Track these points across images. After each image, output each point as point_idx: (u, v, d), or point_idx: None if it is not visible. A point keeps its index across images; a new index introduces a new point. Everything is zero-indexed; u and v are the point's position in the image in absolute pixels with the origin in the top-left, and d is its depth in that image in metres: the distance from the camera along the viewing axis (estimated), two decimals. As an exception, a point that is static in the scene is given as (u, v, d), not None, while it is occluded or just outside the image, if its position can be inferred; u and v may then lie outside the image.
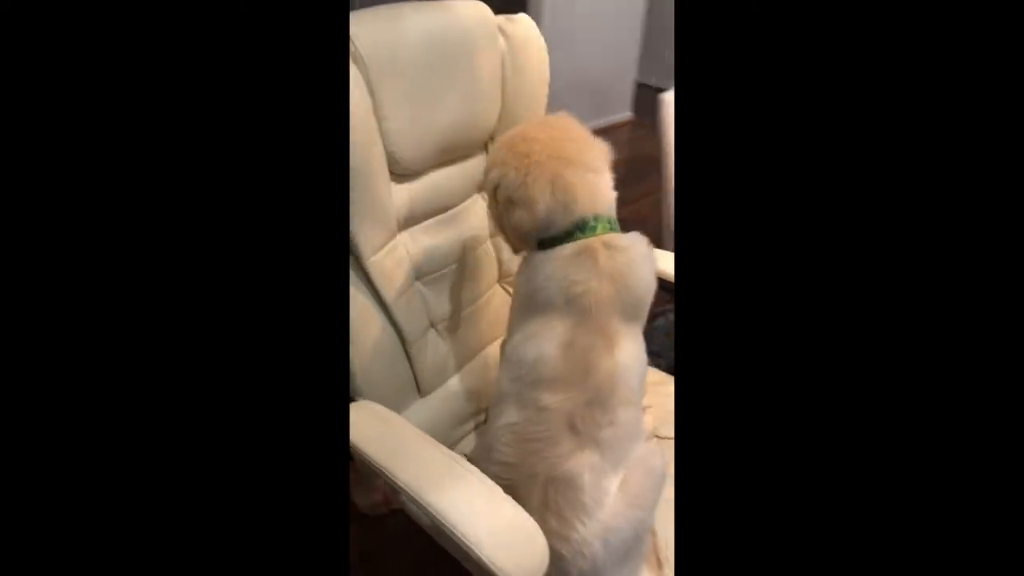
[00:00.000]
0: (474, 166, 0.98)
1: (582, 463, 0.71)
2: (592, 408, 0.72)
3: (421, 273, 0.94)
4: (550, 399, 0.72)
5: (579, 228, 0.77)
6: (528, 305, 0.79)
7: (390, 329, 0.89)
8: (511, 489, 0.70)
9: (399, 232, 0.89)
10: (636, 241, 0.79)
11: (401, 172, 0.86)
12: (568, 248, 0.76)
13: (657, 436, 0.98)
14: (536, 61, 0.98)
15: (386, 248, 0.86)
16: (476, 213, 1.02)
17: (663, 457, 0.79)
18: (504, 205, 0.78)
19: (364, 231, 0.81)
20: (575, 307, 0.74)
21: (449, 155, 0.93)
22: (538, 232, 0.78)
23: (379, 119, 0.79)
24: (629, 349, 0.75)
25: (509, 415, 0.76)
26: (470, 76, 0.89)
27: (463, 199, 1.00)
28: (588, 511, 0.70)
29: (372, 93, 0.77)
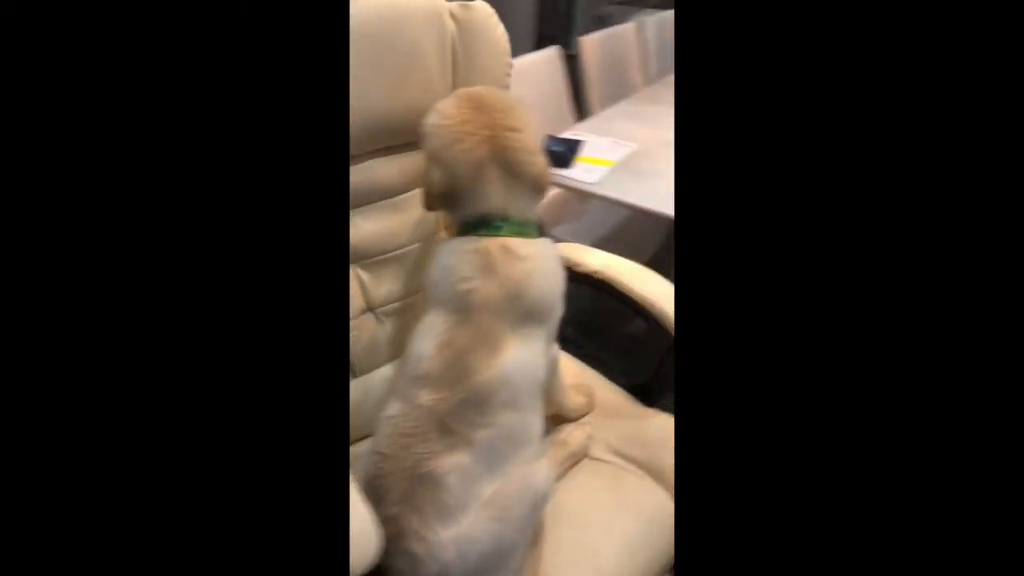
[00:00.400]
0: (418, 154, 0.97)
1: (450, 463, 0.70)
2: (467, 409, 0.70)
3: (357, 255, 0.95)
4: (425, 397, 0.71)
5: (483, 223, 0.75)
6: (428, 296, 0.78)
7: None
8: (381, 479, 0.71)
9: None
10: (541, 250, 0.76)
11: (361, 153, 0.87)
12: (469, 243, 0.74)
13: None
14: (492, 49, 0.95)
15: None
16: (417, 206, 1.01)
17: (549, 478, 0.76)
18: (428, 154, 0.77)
19: None
20: (459, 305, 0.72)
21: (388, 141, 0.93)
22: (447, 206, 0.77)
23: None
24: (517, 355, 0.73)
25: (391, 407, 0.76)
26: (406, 61, 0.87)
27: (408, 188, 0.99)
28: (448, 513, 0.69)
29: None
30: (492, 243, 0.73)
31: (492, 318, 0.72)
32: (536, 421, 0.77)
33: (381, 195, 0.95)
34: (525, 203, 0.77)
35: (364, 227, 0.94)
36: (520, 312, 0.73)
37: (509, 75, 0.98)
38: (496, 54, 0.96)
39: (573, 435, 0.94)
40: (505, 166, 0.74)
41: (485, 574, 0.71)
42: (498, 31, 0.95)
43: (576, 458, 0.93)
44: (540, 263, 0.75)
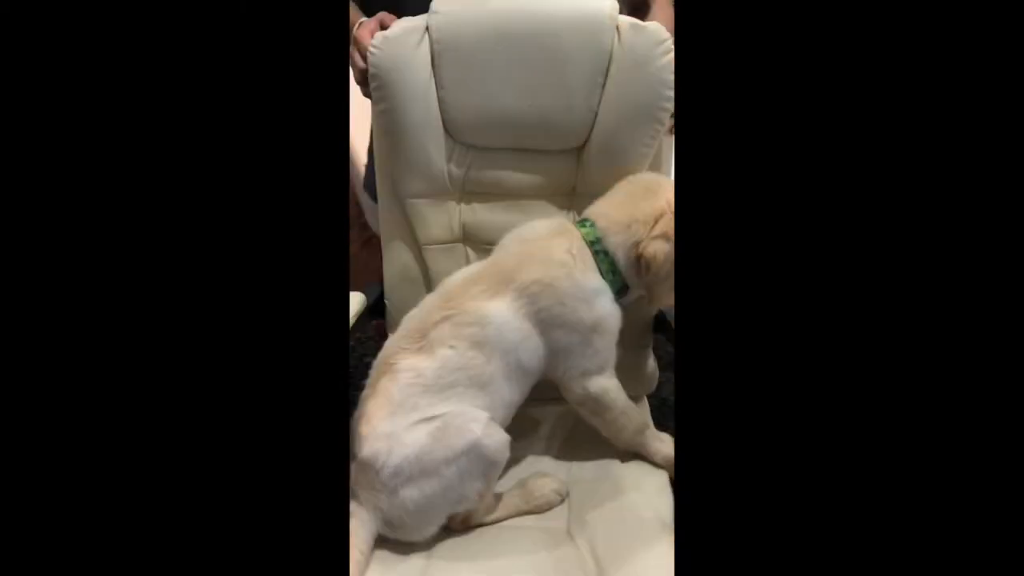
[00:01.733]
0: (553, 164, 0.98)
1: (410, 363, 0.81)
2: (445, 324, 0.82)
3: (470, 239, 1.03)
4: (433, 308, 0.86)
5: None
6: None
7: (417, 268, 1.04)
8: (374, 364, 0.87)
9: (454, 193, 1.01)
10: (576, 266, 0.86)
11: (461, 139, 0.96)
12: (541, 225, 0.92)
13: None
14: (654, 80, 0.87)
15: (428, 198, 0.99)
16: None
17: (500, 446, 0.79)
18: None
19: (402, 175, 0.98)
20: (493, 257, 0.92)
21: (519, 140, 0.96)
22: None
23: (437, 86, 0.91)
24: (505, 314, 0.83)
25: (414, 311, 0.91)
26: (546, 66, 0.89)
27: (534, 193, 1.01)
28: (393, 408, 0.79)
29: (434, 61, 0.90)
30: (553, 231, 0.87)
31: (502, 273, 0.83)
32: (506, 391, 0.82)
33: (507, 191, 1.01)
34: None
35: (482, 214, 1.01)
36: (518, 287, 0.82)
37: (666, 109, 0.88)
38: (656, 88, 0.87)
39: (539, 483, 0.88)
40: None
41: (406, 482, 0.76)
42: (662, 61, 0.86)
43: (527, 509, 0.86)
44: (562, 271, 0.82)
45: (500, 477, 0.85)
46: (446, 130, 0.95)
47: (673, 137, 0.98)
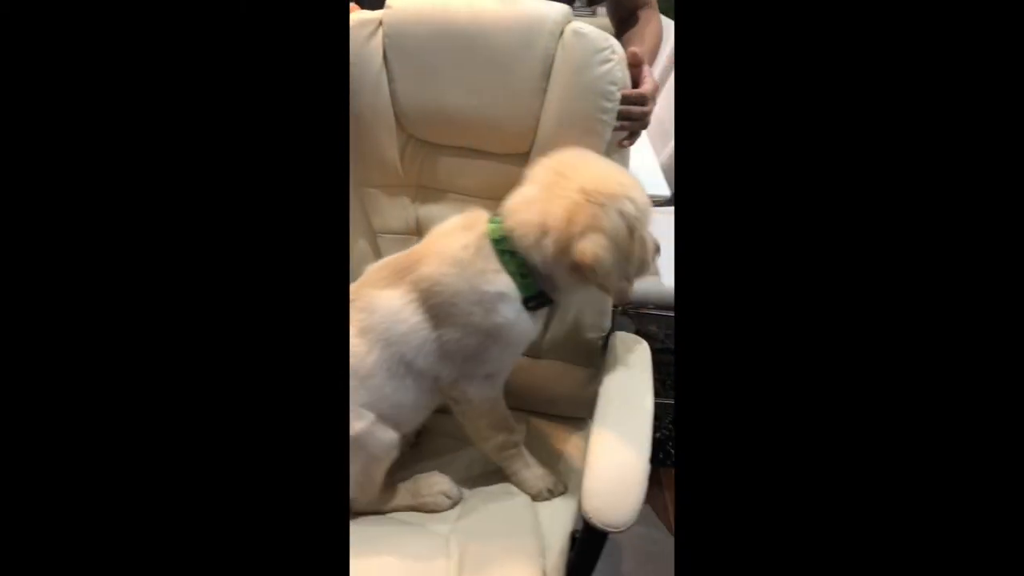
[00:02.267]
0: (501, 167, 0.96)
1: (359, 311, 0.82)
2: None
3: (424, 232, 1.04)
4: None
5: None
6: None
7: (372, 255, 1.07)
8: None
9: (408, 186, 1.02)
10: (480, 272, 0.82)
11: (413, 133, 0.97)
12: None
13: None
14: (592, 88, 0.83)
15: (382, 188, 1.02)
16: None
17: (375, 442, 0.81)
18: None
19: (357, 162, 1.00)
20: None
21: (466, 140, 0.96)
22: None
23: (389, 78, 0.93)
24: (392, 302, 0.82)
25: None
26: (491, 66, 0.88)
27: (485, 195, 0.99)
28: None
29: (385, 51, 0.91)
30: (459, 225, 0.83)
31: (405, 264, 0.82)
32: (389, 387, 0.80)
33: (457, 188, 1.01)
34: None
35: (433, 208, 1.02)
36: (413, 279, 0.80)
37: (604, 120, 0.84)
38: (596, 95, 0.84)
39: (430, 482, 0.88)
40: None
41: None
42: (600, 69, 0.82)
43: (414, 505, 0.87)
44: (453, 269, 0.78)
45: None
46: (399, 123, 0.97)
47: (627, 152, 0.93)
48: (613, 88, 0.83)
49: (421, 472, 0.91)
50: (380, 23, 0.91)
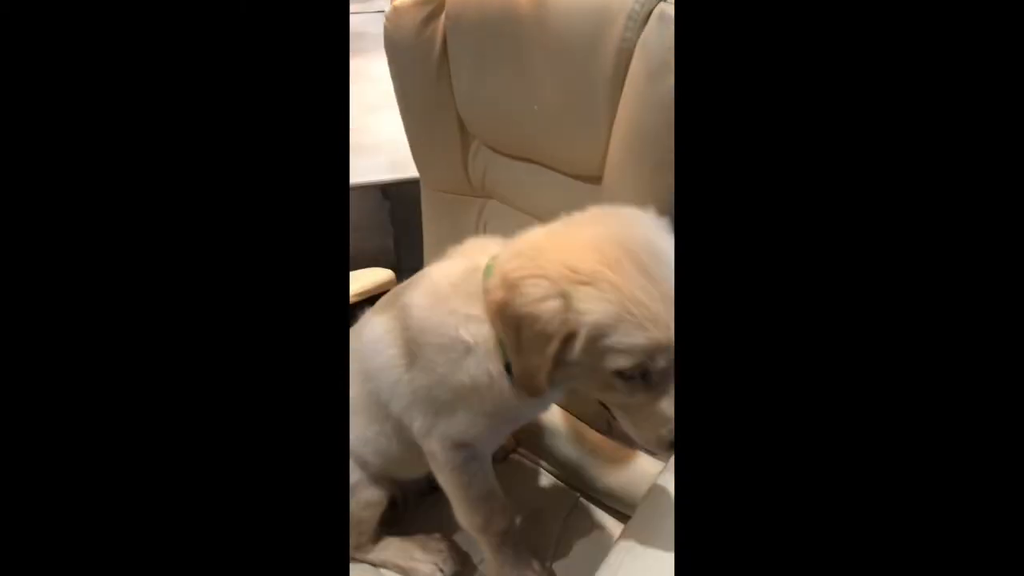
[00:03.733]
0: (572, 192, 0.75)
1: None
2: None
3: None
4: None
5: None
6: None
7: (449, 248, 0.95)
8: None
9: (476, 195, 0.87)
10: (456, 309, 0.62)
11: (476, 135, 0.81)
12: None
13: None
14: (671, 99, 0.56)
15: (451, 193, 0.88)
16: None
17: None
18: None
19: (423, 162, 0.88)
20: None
21: (528, 151, 0.76)
22: None
23: (451, 71, 0.77)
24: (374, 329, 0.68)
25: None
26: (553, 61, 0.66)
27: (554, 218, 0.79)
28: None
29: (446, 39, 0.75)
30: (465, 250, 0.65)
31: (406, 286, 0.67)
32: (364, 427, 0.70)
33: (526, 207, 0.82)
34: None
35: (498, 225, 0.86)
36: (401, 304, 0.64)
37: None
38: (669, 112, 0.57)
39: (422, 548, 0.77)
40: None
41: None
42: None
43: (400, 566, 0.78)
44: (428, 300, 0.61)
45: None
46: (461, 123, 0.80)
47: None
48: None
49: (425, 524, 0.80)
50: (442, 5, 0.74)
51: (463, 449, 0.65)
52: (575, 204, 0.74)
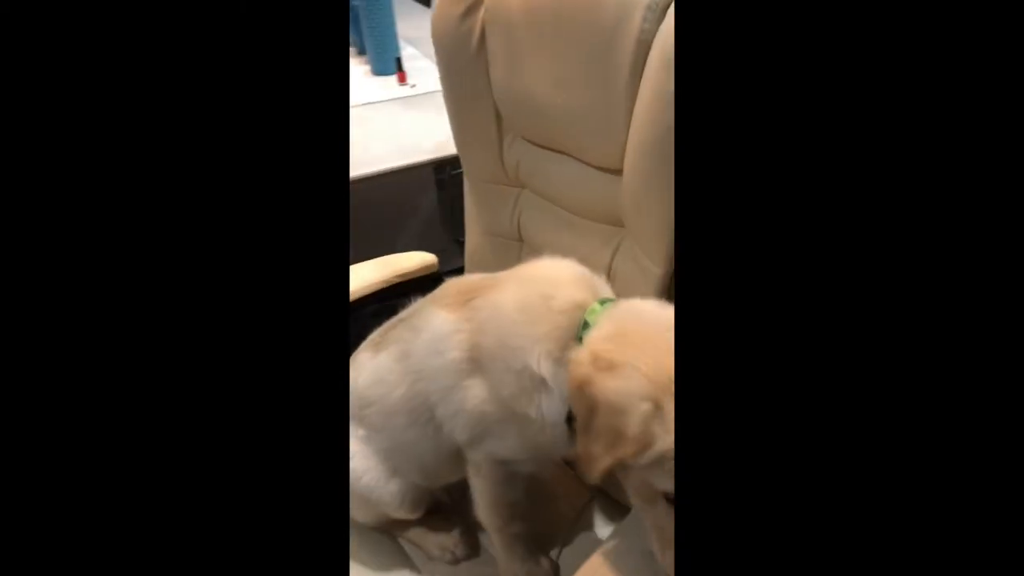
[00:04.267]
0: (597, 184, 0.74)
1: (362, 359, 0.73)
2: None
3: (524, 238, 0.91)
4: None
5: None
6: None
7: (485, 255, 0.98)
8: None
9: (512, 185, 0.88)
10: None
11: (512, 126, 0.82)
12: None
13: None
14: None
15: (490, 182, 0.90)
16: (595, 239, 0.79)
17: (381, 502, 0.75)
18: None
19: (463, 151, 0.90)
20: None
21: (556, 141, 0.76)
22: None
23: (488, 62, 0.78)
24: (380, 363, 0.71)
25: None
26: (577, 50, 0.66)
27: (583, 212, 0.79)
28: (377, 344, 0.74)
29: (484, 31, 0.77)
30: (568, 279, 0.62)
31: (477, 287, 0.64)
32: (405, 435, 0.69)
33: (556, 198, 0.83)
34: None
35: (537, 217, 0.87)
36: (474, 305, 0.63)
37: None
38: None
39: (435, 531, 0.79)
40: None
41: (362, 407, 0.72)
42: None
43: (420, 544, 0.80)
44: (521, 316, 0.59)
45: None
46: (498, 113, 0.82)
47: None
48: None
49: (444, 508, 0.83)
50: (480, -2, 0.75)
51: (508, 464, 0.67)
52: (598, 195, 0.74)
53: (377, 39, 1.59)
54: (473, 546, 0.79)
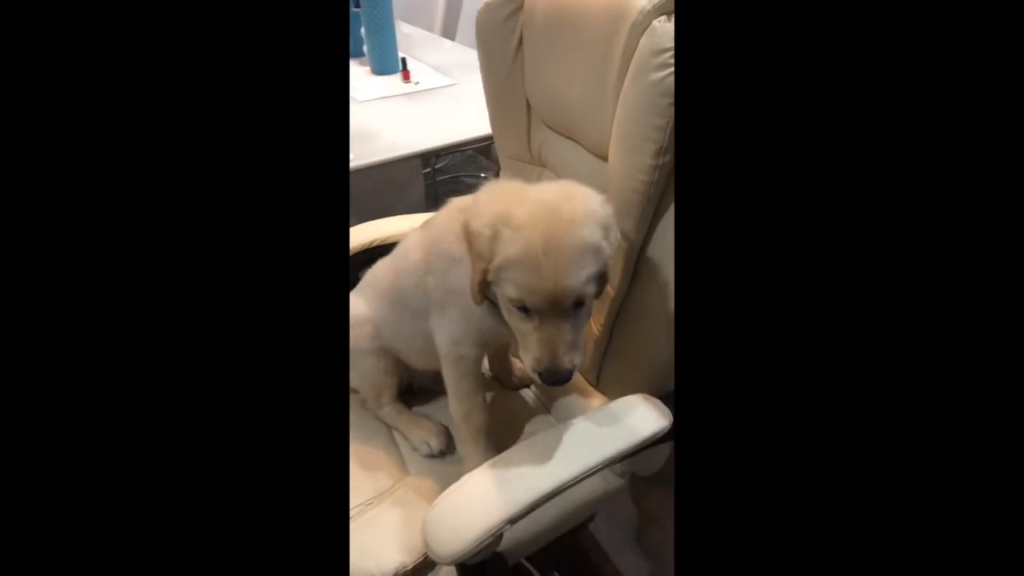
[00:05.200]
0: (597, 169, 0.89)
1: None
2: None
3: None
4: None
5: None
6: None
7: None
8: None
9: (536, 165, 1.05)
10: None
11: (536, 112, 0.98)
12: None
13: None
14: (646, 95, 0.69)
15: (520, 160, 1.07)
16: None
17: (355, 338, 0.96)
18: None
19: (497, 132, 1.07)
20: None
21: (567, 128, 0.91)
22: None
23: (524, 61, 0.95)
24: None
25: None
26: (583, 53, 0.81)
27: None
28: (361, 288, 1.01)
29: (522, 39, 0.93)
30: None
31: None
32: (386, 313, 0.93)
33: (565, 177, 0.98)
34: None
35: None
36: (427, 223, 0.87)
37: (651, 142, 0.70)
38: (644, 106, 0.70)
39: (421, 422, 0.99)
40: None
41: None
42: (654, 76, 0.67)
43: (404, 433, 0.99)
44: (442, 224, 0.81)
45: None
46: (528, 102, 0.98)
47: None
48: (665, 102, 0.67)
49: (426, 411, 1.01)
50: (522, 4, 0.92)
51: (457, 346, 0.84)
52: (596, 177, 0.89)
53: (378, 41, 1.82)
54: (449, 444, 0.97)
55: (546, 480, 0.69)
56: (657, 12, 0.70)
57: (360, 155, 1.34)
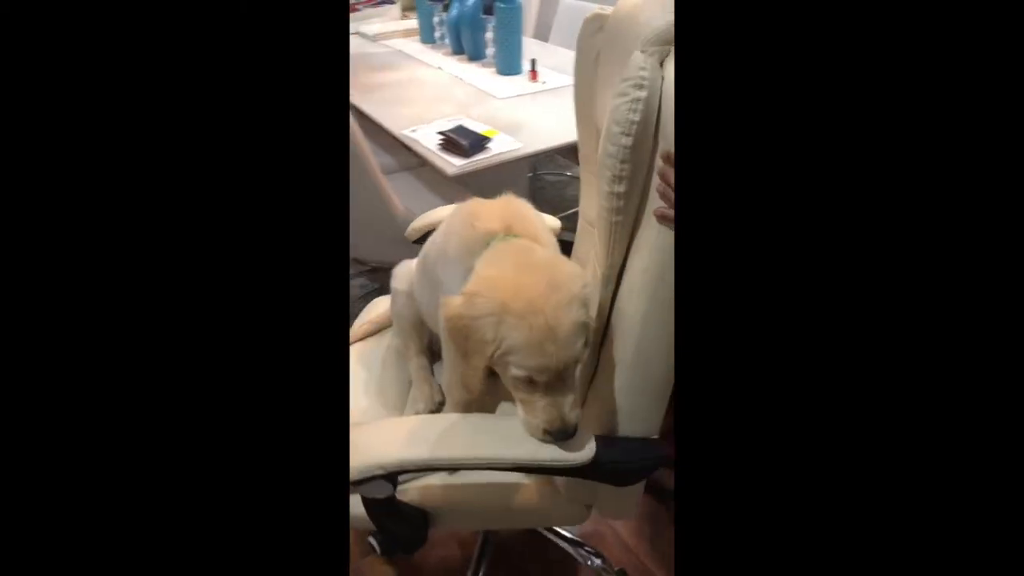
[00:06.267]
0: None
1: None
2: None
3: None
4: None
5: None
6: None
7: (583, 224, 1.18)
8: None
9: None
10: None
11: (598, 123, 0.99)
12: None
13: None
14: (608, 120, 0.68)
15: (591, 172, 1.10)
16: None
17: (393, 288, 1.17)
18: None
19: (581, 142, 1.11)
20: None
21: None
22: None
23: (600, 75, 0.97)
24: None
25: None
26: (612, 67, 0.82)
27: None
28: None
29: (600, 47, 0.96)
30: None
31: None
32: (416, 284, 1.10)
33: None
34: None
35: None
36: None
37: (606, 165, 0.68)
38: (606, 130, 0.68)
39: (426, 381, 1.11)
40: None
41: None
42: (614, 102, 0.65)
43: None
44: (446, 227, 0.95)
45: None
46: (597, 112, 1.00)
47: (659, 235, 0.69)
48: (616, 130, 0.65)
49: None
50: (606, 19, 0.93)
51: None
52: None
53: (506, 44, 1.97)
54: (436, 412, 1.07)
55: (424, 449, 0.76)
56: (656, 42, 0.68)
57: (526, 143, 1.55)
